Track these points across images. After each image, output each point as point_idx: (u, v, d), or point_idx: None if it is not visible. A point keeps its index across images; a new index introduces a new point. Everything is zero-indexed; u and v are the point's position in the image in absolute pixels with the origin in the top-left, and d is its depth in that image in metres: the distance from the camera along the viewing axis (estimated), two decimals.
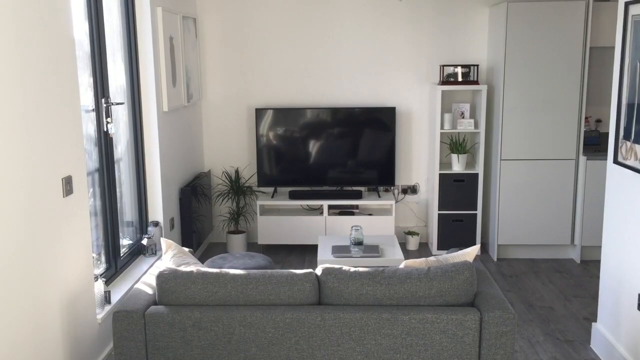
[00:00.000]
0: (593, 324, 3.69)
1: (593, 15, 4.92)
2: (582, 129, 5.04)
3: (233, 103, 5.67)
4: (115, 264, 3.93)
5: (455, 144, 5.29)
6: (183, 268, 2.74)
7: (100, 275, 3.62)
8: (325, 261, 4.08)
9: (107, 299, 3.52)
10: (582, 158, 5.03)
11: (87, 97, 3.53)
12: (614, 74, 3.38)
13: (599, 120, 5.38)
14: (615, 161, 3.37)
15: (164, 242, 3.06)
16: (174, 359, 2.60)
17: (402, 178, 5.74)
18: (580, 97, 4.98)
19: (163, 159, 4.52)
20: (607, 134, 4.88)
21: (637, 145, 3.13)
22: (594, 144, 5.27)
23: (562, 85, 4.98)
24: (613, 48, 3.69)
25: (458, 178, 5.29)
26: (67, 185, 2.95)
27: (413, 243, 5.55)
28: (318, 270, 2.69)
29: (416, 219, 5.79)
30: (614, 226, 3.43)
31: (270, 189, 5.68)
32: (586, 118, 5.25)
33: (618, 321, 3.37)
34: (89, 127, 3.60)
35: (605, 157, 4.08)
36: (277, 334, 2.56)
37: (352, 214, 5.53)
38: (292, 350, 2.57)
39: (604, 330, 3.54)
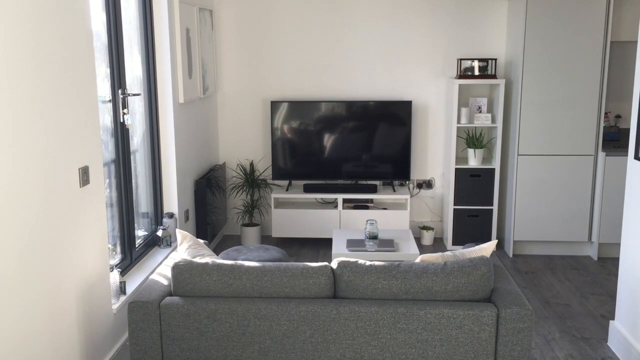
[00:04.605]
0: (610, 321, 3.64)
1: (614, 8, 4.84)
2: (602, 125, 4.97)
3: (248, 95, 5.66)
4: (131, 254, 3.94)
5: (471, 139, 5.24)
6: (198, 260, 2.74)
7: (116, 265, 3.63)
8: (340, 255, 4.06)
9: (122, 289, 3.53)
10: (601, 154, 4.97)
11: (103, 88, 3.54)
12: (636, 69, 3.32)
13: (618, 116, 5.30)
14: (637, 157, 3.31)
15: (180, 234, 3.07)
16: (189, 350, 2.60)
17: (418, 172, 5.70)
18: (600, 92, 4.91)
19: (178, 150, 4.52)
20: (626, 130, 4.81)
21: None
22: (613, 139, 5.20)
23: (582, 80, 4.91)
24: (635, 42, 3.63)
25: (474, 173, 5.24)
26: (84, 176, 2.96)
27: (428, 238, 5.52)
28: (333, 264, 2.68)
29: (431, 214, 5.76)
30: (633, 223, 3.38)
31: (285, 182, 5.67)
32: (606, 114, 5.18)
33: (636, 319, 3.33)
34: (106, 118, 3.61)
35: (624, 154, 4.02)
36: (292, 327, 2.55)
37: (367, 208, 5.51)
38: (306, 343, 2.56)
39: (621, 328, 3.50)
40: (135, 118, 4.17)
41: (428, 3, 5.42)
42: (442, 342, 2.52)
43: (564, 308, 4.16)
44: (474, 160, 5.25)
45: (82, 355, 3.00)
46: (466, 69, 5.23)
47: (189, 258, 2.79)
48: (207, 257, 2.85)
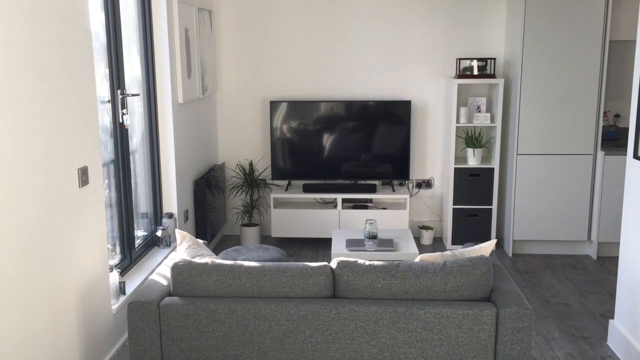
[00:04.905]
0: (610, 320, 3.64)
1: (613, 7, 4.85)
2: (601, 124, 4.97)
3: (247, 95, 5.66)
4: (130, 255, 3.94)
5: (471, 138, 5.25)
6: (198, 260, 2.74)
7: (115, 266, 3.63)
8: (340, 254, 4.06)
9: (121, 289, 3.53)
10: (600, 153, 4.97)
11: (102, 88, 3.54)
12: (635, 68, 3.32)
13: (617, 115, 5.31)
14: (636, 156, 3.31)
15: (179, 234, 3.07)
16: (189, 350, 2.60)
17: (417, 172, 5.70)
18: (599, 92, 4.92)
19: (178, 150, 4.52)
20: (625, 129, 4.81)
21: None
22: (612, 139, 5.20)
23: (581, 79, 4.91)
24: (633, 42, 3.64)
25: (473, 172, 5.25)
26: (83, 176, 2.96)
27: (427, 237, 5.52)
28: (333, 263, 2.68)
29: (430, 214, 5.76)
30: (633, 222, 3.38)
31: (284, 182, 5.67)
32: (605, 113, 5.19)
33: (636, 318, 3.33)
34: (105, 118, 3.61)
35: (623, 153, 4.02)
36: (292, 327, 2.55)
37: (366, 207, 5.51)
38: (306, 343, 2.56)
39: (621, 327, 3.50)
40: (135, 118, 4.17)
41: (427, 3, 5.43)
42: (442, 342, 2.52)
43: (563, 307, 4.16)
44: (473, 160, 5.25)
45: (82, 355, 3.00)
46: (465, 69, 5.24)
47: (188, 258, 2.79)
48: (207, 257, 2.85)
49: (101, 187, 3.22)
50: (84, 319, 3.01)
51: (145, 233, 4.36)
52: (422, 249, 5.35)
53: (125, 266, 3.86)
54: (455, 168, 5.24)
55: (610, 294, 4.34)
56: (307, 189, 5.48)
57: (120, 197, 3.82)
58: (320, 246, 5.45)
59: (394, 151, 5.46)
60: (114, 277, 3.41)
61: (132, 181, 4.04)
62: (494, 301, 2.58)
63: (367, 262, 2.65)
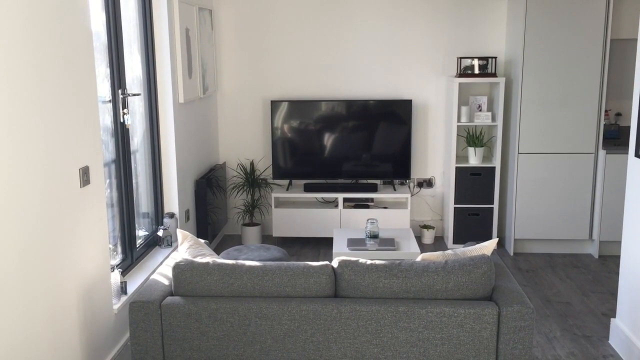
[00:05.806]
0: (612, 319, 3.64)
1: (614, 6, 4.84)
2: (602, 123, 4.97)
3: (248, 95, 5.66)
4: (131, 254, 3.94)
5: (472, 137, 5.24)
6: (199, 259, 2.74)
7: (117, 265, 3.63)
8: (341, 254, 4.06)
9: (123, 289, 3.53)
10: (602, 152, 4.96)
11: (103, 88, 3.54)
12: (636, 66, 3.32)
13: (619, 114, 5.30)
14: (637, 155, 3.31)
15: (180, 233, 3.07)
16: (190, 350, 2.60)
17: (418, 171, 5.70)
18: (600, 90, 4.91)
19: (179, 150, 4.52)
20: (627, 128, 4.81)
21: None
22: (613, 137, 5.20)
23: (582, 78, 4.91)
24: (634, 40, 3.63)
25: (475, 171, 5.24)
26: (84, 176, 2.96)
27: (428, 237, 5.51)
28: (334, 263, 2.68)
29: (432, 213, 5.75)
30: (634, 220, 3.38)
31: (285, 182, 5.67)
32: (606, 111, 5.18)
33: (637, 317, 3.32)
34: (106, 118, 3.61)
35: (625, 152, 4.02)
36: (293, 326, 2.55)
37: (367, 207, 5.51)
38: (307, 342, 2.56)
39: (622, 326, 3.50)
40: (136, 118, 4.17)
41: (428, 2, 5.42)
42: (443, 341, 2.52)
43: (565, 306, 4.16)
44: (474, 159, 5.24)
45: (83, 355, 3.00)
46: (466, 68, 5.23)
47: (189, 258, 2.79)
48: (208, 257, 2.85)
49: (102, 187, 3.22)
50: (85, 319, 3.01)
51: (147, 233, 4.36)
52: (423, 248, 5.34)
53: (127, 266, 3.86)
54: (456, 167, 5.23)
55: (611, 293, 4.34)
56: (308, 188, 5.48)
57: (121, 196, 3.82)
58: (322, 245, 5.45)
59: (395, 150, 5.46)
60: (115, 276, 3.41)
61: (133, 181, 4.04)
62: (495, 300, 2.58)
63: (369, 262, 2.65)
